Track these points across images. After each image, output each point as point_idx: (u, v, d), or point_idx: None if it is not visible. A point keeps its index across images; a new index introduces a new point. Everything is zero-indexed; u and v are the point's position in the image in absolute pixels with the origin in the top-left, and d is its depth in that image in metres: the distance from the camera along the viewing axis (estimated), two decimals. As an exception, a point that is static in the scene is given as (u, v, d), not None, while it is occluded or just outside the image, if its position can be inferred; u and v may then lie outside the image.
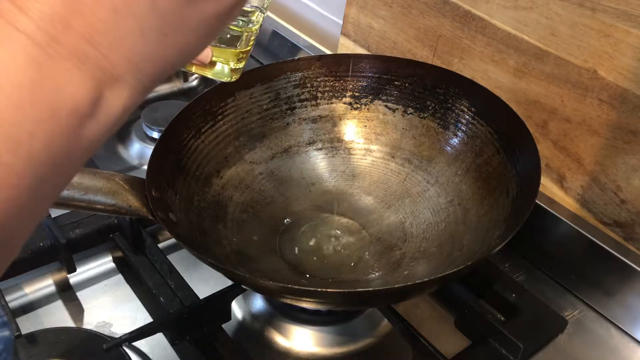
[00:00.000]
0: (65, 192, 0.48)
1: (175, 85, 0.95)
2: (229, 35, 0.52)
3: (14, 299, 0.62)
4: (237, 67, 0.54)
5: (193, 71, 0.53)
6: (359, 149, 0.70)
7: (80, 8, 0.25)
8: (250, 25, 0.52)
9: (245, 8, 0.53)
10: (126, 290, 0.64)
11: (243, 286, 0.56)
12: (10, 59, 0.24)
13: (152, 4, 0.26)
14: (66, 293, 0.63)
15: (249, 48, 0.54)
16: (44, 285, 0.64)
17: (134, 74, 0.27)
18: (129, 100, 0.27)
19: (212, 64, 0.51)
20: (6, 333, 0.24)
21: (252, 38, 0.53)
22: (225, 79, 0.53)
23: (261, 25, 0.53)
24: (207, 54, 0.50)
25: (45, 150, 0.24)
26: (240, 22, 0.53)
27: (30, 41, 0.24)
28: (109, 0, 0.26)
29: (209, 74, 0.53)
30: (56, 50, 0.24)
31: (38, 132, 0.24)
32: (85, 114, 0.25)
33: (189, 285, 0.59)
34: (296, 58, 0.69)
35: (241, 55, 0.53)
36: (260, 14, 0.53)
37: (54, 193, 0.26)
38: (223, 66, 0.53)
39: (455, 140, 0.65)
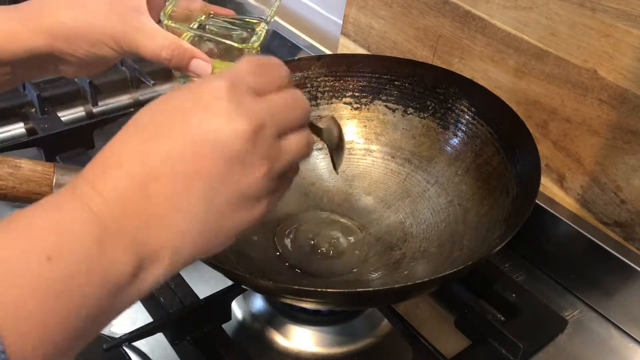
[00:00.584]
0: (65, 192, 0.48)
1: (175, 85, 0.95)
2: (234, 51, 0.52)
3: (14, 299, 0.61)
4: None
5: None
6: (359, 149, 0.70)
7: (148, 199, 0.31)
8: (253, 41, 0.52)
9: (249, 19, 0.53)
10: (126, 290, 0.64)
11: (243, 286, 0.56)
12: (79, 235, 0.29)
13: (206, 207, 0.32)
14: (66, 293, 0.63)
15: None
16: (44, 285, 0.64)
17: (171, 258, 0.32)
18: (162, 276, 0.32)
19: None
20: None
21: (254, 52, 0.53)
22: None
23: (265, 37, 0.53)
24: (206, 68, 0.51)
25: (92, 310, 0.29)
26: (244, 34, 0.53)
27: (98, 222, 0.29)
28: (173, 197, 0.31)
29: None
30: (117, 233, 0.30)
31: (90, 296, 0.29)
32: (124, 286, 0.30)
33: (189, 285, 0.59)
34: (296, 58, 0.70)
35: None
36: (264, 25, 0.53)
37: (88, 340, 0.30)
38: None
39: (455, 140, 0.65)
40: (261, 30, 0.53)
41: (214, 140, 0.32)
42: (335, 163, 0.47)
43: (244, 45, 0.51)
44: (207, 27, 0.53)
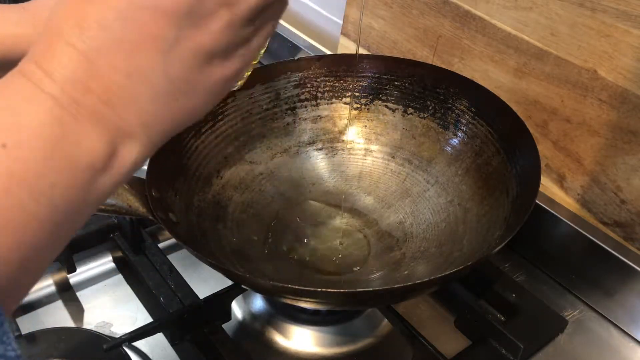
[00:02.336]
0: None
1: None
2: None
3: (14, 299, 0.62)
4: (244, 76, 0.54)
5: None
6: (359, 149, 0.70)
7: (98, 73, 0.28)
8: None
9: None
10: (126, 290, 0.64)
11: (243, 286, 0.56)
12: (36, 117, 0.26)
13: (164, 71, 0.29)
14: (66, 293, 0.63)
15: (256, 62, 0.54)
16: (44, 285, 0.64)
17: (145, 132, 0.30)
18: (139, 155, 0.30)
19: None
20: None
21: (260, 54, 0.53)
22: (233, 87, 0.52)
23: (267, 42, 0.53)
24: None
25: (63, 199, 0.27)
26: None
27: (55, 102, 0.27)
28: (124, 67, 0.28)
29: None
30: (77, 111, 0.27)
31: (58, 183, 0.26)
32: (100, 167, 0.28)
33: (189, 285, 0.59)
34: (296, 58, 0.70)
35: (252, 66, 0.53)
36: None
37: (68, 236, 0.29)
38: None
39: (455, 140, 0.65)
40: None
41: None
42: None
43: None
44: None
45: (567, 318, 0.60)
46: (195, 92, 0.31)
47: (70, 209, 0.27)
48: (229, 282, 0.56)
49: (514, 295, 0.59)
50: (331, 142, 0.70)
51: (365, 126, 0.70)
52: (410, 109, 0.68)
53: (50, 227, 0.26)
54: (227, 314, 0.57)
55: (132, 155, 0.29)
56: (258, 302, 0.61)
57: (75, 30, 0.28)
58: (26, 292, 0.27)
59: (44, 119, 0.26)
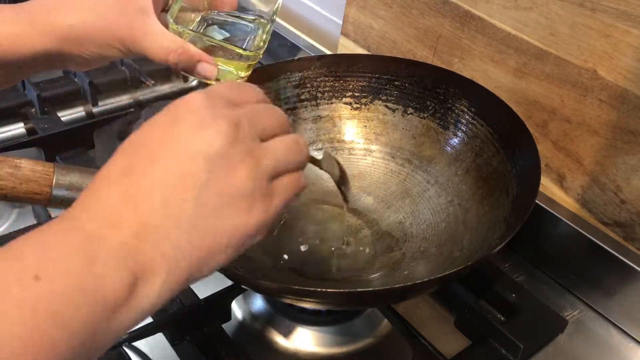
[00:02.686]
0: (65, 192, 0.48)
1: (176, 85, 0.95)
2: (239, 53, 0.52)
3: (14, 299, 0.61)
4: (243, 75, 0.54)
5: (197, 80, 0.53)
6: (359, 149, 0.70)
7: (133, 208, 0.30)
8: (259, 47, 0.52)
9: (252, 17, 0.53)
10: (126, 290, 0.64)
11: (243, 286, 0.56)
12: (69, 252, 0.28)
13: (194, 208, 0.31)
14: (66, 293, 0.63)
15: (255, 62, 0.54)
16: (44, 285, 0.63)
17: (167, 270, 0.31)
18: (161, 293, 0.31)
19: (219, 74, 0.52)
20: None
21: (261, 51, 0.53)
22: None
23: (269, 37, 0.53)
24: (212, 71, 0.51)
25: (83, 329, 0.28)
26: (250, 28, 0.53)
27: (85, 235, 0.29)
28: (160, 208, 0.31)
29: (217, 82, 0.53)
30: (105, 246, 0.29)
31: (79, 315, 0.28)
32: (120, 303, 0.29)
33: (189, 285, 0.59)
34: (296, 58, 0.70)
35: (249, 66, 0.53)
36: (269, 27, 0.53)
37: None
38: (229, 74, 0.53)
39: (455, 140, 0.65)
40: (266, 29, 0.53)
41: (194, 144, 0.32)
42: (345, 196, 0.49)
43: (249, 52, 0.52)
44: (211, 22, 0.53)
45: (567, 318, 0.60)
46: (216, 235, 0.33)
47: (88, 339, 0.28)
48: (229, 282, 0.56)
49: (514, 295, 0.59)
50: (331, 142, 0.70)
51: (365, 126, 0.70)
52: (410, 109, 0.68)
53: (65, 352, 0.27)
54: (227, 314, 0.57)
55: (153, 291, 0.30)
56: (258, 302, 0.61)
57: (122, 177, 0.31)
58: None
59: (73, 254, 0.28)
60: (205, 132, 0.33)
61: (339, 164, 0.48)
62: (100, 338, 0.29)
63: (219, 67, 0.51)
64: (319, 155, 0.46)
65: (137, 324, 0.31)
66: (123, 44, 0.50)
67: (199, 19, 0.53)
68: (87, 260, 0.29)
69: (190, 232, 0.32)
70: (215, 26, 0.54)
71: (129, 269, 0.30)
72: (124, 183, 0.31)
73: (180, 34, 0.51)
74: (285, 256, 0.61)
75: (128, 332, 0.52)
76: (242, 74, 0.53)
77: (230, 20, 0.54)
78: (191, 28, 0.52)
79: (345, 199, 0.49)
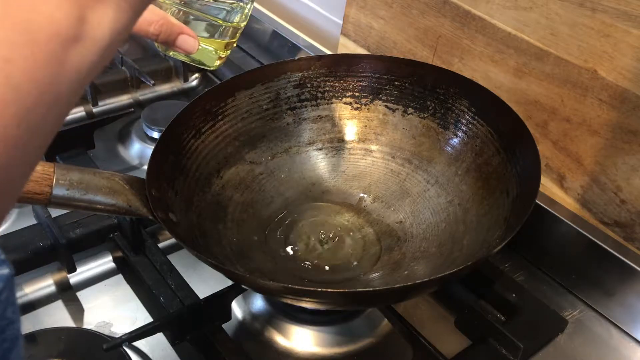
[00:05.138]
0: (65, 192, 0.48)
1: (175, 85, 0.95)
2: (220, 28, 0.52)
3: (14, 299, 0.61)
4: (223, 55, 0.54)
5: (178, 58, 0.53)
6: (359, 149, 0.70)
7: None
8: (239, 20, 0.52)
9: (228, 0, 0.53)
10: (126, 290, 0.64)
11: (243, 286, 0.56)
12: None
13: None
14: (66, 293, 0.63)
15: (235, 40, 0.54)
16: (44, 285, 0.64)
17: None
18: (117, 23, 0.26)
19: (198, 52, 0.52)
20: (5, 271, 0.23)
21: (239, 31, 0.53)
22: (210, 67, 0.53)
23: (250, 14, 0.53)
24: (193, 44, 0.50)
25: (27, 77, 0.22)
26: (230, 8, 0.53)
27: None
28: None
29: (195, 62, 0.53)
30: None
31: (15, 58, 0.22)
32: (68, 38, 0.24)
33: (189, 285, 0.59)
34: (296, 58, 0.70)
35: (228, 46, 0.54)
36: (249, 2, 0.53)
37: (48, 129, 0.24)
38: (208, 54, 0.53)
39: (455, 140, 0.65)
40: (247, 7, 0.53)
41: None
42: None
43: (229, 23, 0.52)
44: (192, 1, 0.53)
45: (567, 318, 0.60)
46: None
47: (39, 89, 0.23)
48: (229, 282, 0.56)
49: (514, 295, 0.59)
50: (331, 142, 0.70)
51: (365, 126, 0.70)
52: (410, 109, 0.68)
53: (18, 111, 0.22)
54: (227, 314, 0.57)
55: (106, 21, 0.25)
56: (258, 302, 0.61)
57: None
58: (9, 203, 0.23)
59: None
60: None
61: None
62: (58, 87, 0.24)
63: (199, 43, 0.51)
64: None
65: (100, 65, 0.26)
66: None
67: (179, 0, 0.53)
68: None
69: None
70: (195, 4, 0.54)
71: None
72: None
73: (160, 6, 0.51)
74: (285, 255, 0.61)
75: (127, 331, 0.52)
76: (222, 53, 0.53)
77: (211, 2, 0.54)
78: (172, 2, 0.52)
79: None
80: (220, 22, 0.52)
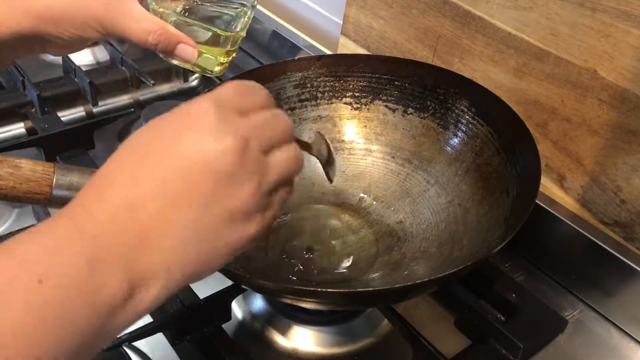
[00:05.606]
0: (65, 192, 0.48)
1: (175, 85, 0.95)
2: (220, 37, 0.52)
3: (14, 299, 0.61)
4: (224, 61, 0.54)
5: (180, 65, 0.53)
6: (359, 149, 0.70)
7: (138, 219, 0.31)
8: (239, 29, 0.52)
9: (235, 4, 0.53)
10: (126, 290, 0.64)
11: (243, 286, 0.56)
12: (72, 257, 0.29)
13: (195, 223, 0.32)
14: (66, 293, 0.63)
15: (235, 47, 0.54)
16: (44, 285, 0.63)
17: (165, 277, 0.32)
18: (156, 298, 0.32)
19: (199, 59, 0.52)
20: None
21: (240, 39, 0.53)
22: (212, 73, 0.53)
23: (250, 23, 0.53)
24: (192, 53, 0.51)
25: (80, 331, 0.29)
26: (230, 17, 0.53)
27: (89, 240, 0.30)
28: (164, 216, 0.31)
29: (197, 69, 0.53)
30: (108, 252, 0.30)
31: (79, 319, 0.28)
32: (118, 308, 0.30)
33: (189, 285, 0.59)
34: (296, 58, 0.70)
35: (229, 53, 0.53)
36: (249, 11, 0.53)
37: None
38: (209, 61, 0.53)
39: (455, 140, 0.65)
40: (247, 15, 0.53)
41: (203, 158, 0.32)
42: (329, 176, 0.49)
43: (229, 33, 0.52)
44: (192, 10, 0.53)
45: (567, 318, 0.60)
46: (216, 248, 0.34)
47: (87, 340, 0.29)
48: (229, 282, 0.56)
49: (514, 295, 0.59)
50: (331, 142, 0.70)
51: (365, 126, 0.70)
52: (410, 109, 0.68)
53: (66, 354, 0.28)
54: (227, 314, 0.57)
55: (150, 297, 0.31)
56: (258, 302, 0.61)
57: (128, 184, 0.31)
58: None
59: (77, 259, 0.29)
60: (216, 146, 0.33)
61: (327, 143, 0.48)
62: (97, 340, 0.30)
63: (199, 51, 0.51)
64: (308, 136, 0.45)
65: (132, 324, 0.32)
66: (101, 24, 0.49)
67: (180, 8, 0.53)
68: (88, 265, 0.29)
69: (190, 244, 0.32)
70: (194, 10, 0.54)
71: (129, 276, 0.30)
72: (128, 188, 0.31)
73: (160, 16, 0.50)
74: (285, 255, 0.61)
75: (127, 331, 0.52)
76: (223, 59, 0.53)
77: (211, 9, 0.54)
78: (171, 10, 0.52)
79: (330, 179, 0.50)
80: (220, 32, 0.52)
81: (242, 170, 0.33)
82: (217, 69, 0.54)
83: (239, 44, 0.53)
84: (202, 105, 0.34)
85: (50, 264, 0.28)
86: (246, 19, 0.53)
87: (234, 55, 0.54)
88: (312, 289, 0.46)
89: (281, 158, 0.36)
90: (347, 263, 0.61)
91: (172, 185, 0.32)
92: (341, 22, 0.88)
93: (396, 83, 0.68)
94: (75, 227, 0.30)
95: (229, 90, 0.36)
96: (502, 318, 0.58)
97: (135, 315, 0.31)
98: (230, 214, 0.33)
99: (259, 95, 0.37)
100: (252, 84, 0.38)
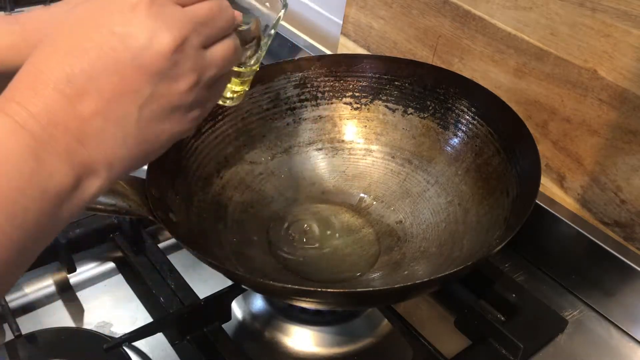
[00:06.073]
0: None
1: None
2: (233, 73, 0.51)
3: (14, 299, 0.62)
4: (240, 90, 0.52)
5: None
6: (359, 149, 0.70)
7: (79, 116, 0.32)
8: (253, 64, 0.51)
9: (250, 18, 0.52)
10: (126, 290, 0.64)
11: (243, 286, 0.56)
12: (16, 151, 0.30)
13: (136, 120, 0.34)
14: (66, 293, 0.63)
15: (250, 78, 0.53)
16: (44, 285, 0.64)
17: (108, 170, 0.34)
18: (98, 190, 0.34)
19: None
20: None
21: (255, 69, 0.52)
22: (227, 103, 0.52)
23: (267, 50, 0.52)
24: None
25: (34, 222, 0.30)
26: (249, 59, 0.51)
27: (33, 138, 0.30)
28: (103, 113, 0.32)
29: None
30: (52, 147, 0.31)
31: (31, 208, 0.30)
32: (65, 197, 0.32)
33: (189, 285, 0.59)
34: (296, 58, 0.69)
35: (244, 82, 0.52)
36: (266, 40, 0.52)
37: (36, 253, 0.32)
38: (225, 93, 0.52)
39: (455, 140, 0.65)
40: (262, 53, 0.52)
41: (136, 57, 0.32)
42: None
43: (243, 69, 0.50)
44: None
45: (567, 318, 0.60)
46: (155, 140, 0.35)
47: (39, 230, 0.31)
48: (229, 282, 0.56)
49: (514, 295, 0.59)
50: (331, 142, 0.70)
51: (365, 126, 0.70)
52: (410, 109, 0.68)
53: (21, 246, 0.30)
54: (227, 314, 0.57)
55: (92, 188, 0.33)
56: (258, 302, 0.61)
57: (62, 78, 0.32)
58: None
59: (23, 153, 0.30)
60: (150, 43, 0.33)
61: (257, 23, 0.46)
62: (48, 229, 0.32)
63: None
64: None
65: (79, 213, 0.34)
66: None
67: None
68: (34, 158, 0.30)
69: (131, 137, 0.34)
70: None
71: (73, 167, 0.32)
72: (62, 83, 0.32)
73: None
74: (285, 255, 0.61)
75: (127, 331, 0.52)
76: (237, 88, 0.53)
77: None
78: None
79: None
80: (236, 68, 0.51)
81: (179, 67, 0.34)
82: (234, 101, 0.52)
83: (254, 72, 0.53)
84: None
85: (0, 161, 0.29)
86: (262, 49, 0.52)
87: (246, 87, 0.53)
88: (312, 289, 0.46)
89: (221, 51, 0.36)
90: (347, 263, 0.61)
91: (105, 81, 0.32)
92: (341, 22, 0.88)
93: (396, 83, 0.68)
94: (14, 124, 0.30)
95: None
96: (502, 318, 0.58)
97: (82, 203, 0.33)
98: (168, 109, 0.35)
99: None
100: None
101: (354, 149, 0.70)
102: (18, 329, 0.54)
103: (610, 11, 0.56)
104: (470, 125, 0.64)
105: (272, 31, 0.51)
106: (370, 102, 0.69)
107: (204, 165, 0.63)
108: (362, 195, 0.67)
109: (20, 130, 0.30)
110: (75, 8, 0.35)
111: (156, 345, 0.57)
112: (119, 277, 0.65)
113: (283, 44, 0.98)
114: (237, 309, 0.61)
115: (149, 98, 0.33)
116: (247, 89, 0.52)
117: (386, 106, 0.69)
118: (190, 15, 0.34)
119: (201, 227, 0.58)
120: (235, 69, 0.50)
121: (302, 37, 0.99)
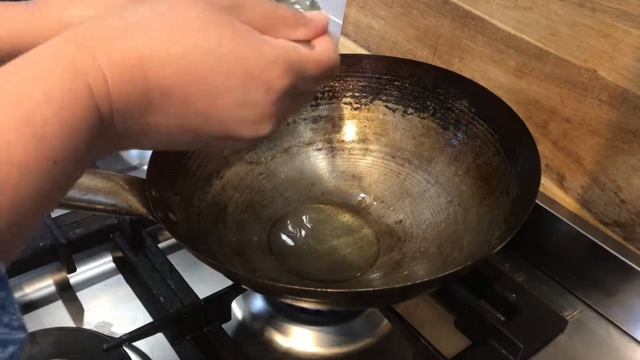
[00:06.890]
0: (65, 192, 0.48)
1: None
2: None
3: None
4: None
5: None
6: (359, 149, 0.70)
7: (148, 88, 0.31)
8: None
9: None
10: (126, 290, 0.64)
11: (243, 286, 0.56)
12: (77, 117, 0.29)
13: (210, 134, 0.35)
14: (66, 293, 0.63)
15: None
16: (44, 285, 0.64)
17: (163, 147, 0.35)
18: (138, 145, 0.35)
19: None
20: (22, 335, 0.26)
21: None
22: None
23: None
24: None
25: (68, 156, 0.28)
26: None
27: (99, 103, 0.29)
28: (174, 85, 0.32)
29: None
30: (116, 115, 0.31)
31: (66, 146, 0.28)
32: (95, 141, 0.30)
33: (189, 285, 0.59)
34: (296, 58, 0.69)
35: None
36: None
37: (65, 189, 0.31)
38: None
39: (455, 141, 0.65)
40: None
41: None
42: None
43: None
44: None
45: (567, 318, 0.60)
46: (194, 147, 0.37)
47: (70, 165, 0.29)
48: (229, 282, 0.56)
49: (514, 295, 0.59)
50: (331, 142, 0.70)
51: (365, 126, 0.70)
52: (410, 109, 0.68)
53: (67, 161, 0.28)
54: (227, 314, 0.57)
55: (110, 146, 0.33)
56: (258, 302, 0.61)
57: (147, 50, 0.31)
58: (24, 241, 0.28)
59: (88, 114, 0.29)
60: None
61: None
62: (79, 164, 0.30)
63: None
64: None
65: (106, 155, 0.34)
66: None
67: None
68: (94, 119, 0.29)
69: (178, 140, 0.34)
70: None
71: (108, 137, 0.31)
72: (148, 60, 0.31)
73: None
74: (285, 255, 0.61)
75: (127, 331, 0.52)
76: None
77: None
78: None
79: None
80: None
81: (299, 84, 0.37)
82: None
83: None
84: (276, 70, 0.35)
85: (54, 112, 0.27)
86: None
87: None
88: (312, 289, 0.46)
89: (315, 93, 0.38)
90: (347, 263, 0.61)
91: (193, 66, 0.32)
92: (341, 22, 0.88)
93: (396, 83, 0.68)
94: (85, 86, 0.29)
95: (314, 69, 0.40)
96: (502, 318, 0.58)
97: (108, 152, 0.33)
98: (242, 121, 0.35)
99: (332, 74, 0.41)
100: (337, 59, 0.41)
101: (354, 149, 0.70)
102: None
103: (610, 11, 0.56)
104: (470, 125, 0.64)
105: None
106: (370, 102, 0.69)
107: (204, 165, 0.63)
108: (362, 195, 0.67)
109: (88, 94, 0.29)
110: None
111: (156, 345, 0.57)
112: (119, 277, 0.65)
113: (283, 44, 0.97)
114: (237, 309, 0.61)
115: (227, 94, 0.34)
116: None
117: (386, 106, 0.69)
118: (297, 104, 0.39)
119: (201, 227, 0.58)
120: None
121: (302, 37, 0.98)
